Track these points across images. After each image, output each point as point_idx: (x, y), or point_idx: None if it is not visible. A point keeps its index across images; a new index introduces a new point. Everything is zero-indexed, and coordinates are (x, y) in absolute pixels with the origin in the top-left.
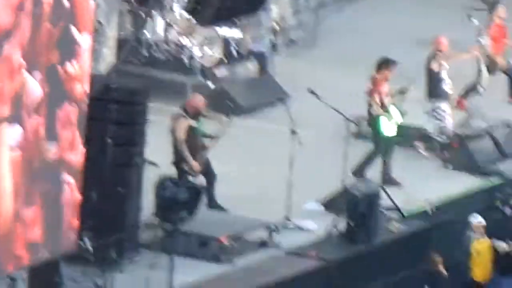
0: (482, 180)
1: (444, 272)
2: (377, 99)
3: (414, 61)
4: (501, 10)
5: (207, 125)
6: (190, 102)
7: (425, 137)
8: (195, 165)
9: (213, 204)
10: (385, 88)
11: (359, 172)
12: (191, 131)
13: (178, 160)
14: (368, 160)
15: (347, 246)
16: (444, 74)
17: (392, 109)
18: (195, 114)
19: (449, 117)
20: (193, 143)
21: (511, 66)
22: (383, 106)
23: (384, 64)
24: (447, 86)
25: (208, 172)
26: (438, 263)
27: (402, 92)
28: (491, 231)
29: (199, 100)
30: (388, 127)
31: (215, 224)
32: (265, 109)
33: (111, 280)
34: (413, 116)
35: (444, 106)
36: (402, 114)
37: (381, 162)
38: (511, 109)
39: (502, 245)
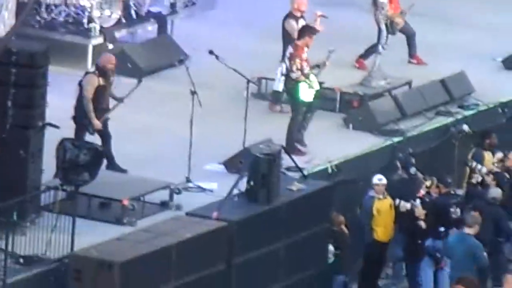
0: (383, 139)
1: (346, 231)
2: (298, 65)
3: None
4: None
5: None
6: (101, 61)
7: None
8: (97, 123)
9: (112, 165)
10: (305, 54)
11: (290, 144)
12: (99, 89)
13: (80, 116)
14: (292, 130)
15: (248, 207)
16: None
17: (311, 76)
18: (106, 73)
19: None
20: (98, 102)
21: (409, 26)
22: (302, 72)
23: (306, 31)
24: None
25: (104, 133)
26: (340, 223)
27: (319, 66)
28: (393, 191)
29: (109, 60)
30: (307, 93)
31: (116, 186)
32: (165, 71)
33: (12, 242)
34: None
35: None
36: (320, 82)
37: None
38: (411, 68)
39: (406, 205)
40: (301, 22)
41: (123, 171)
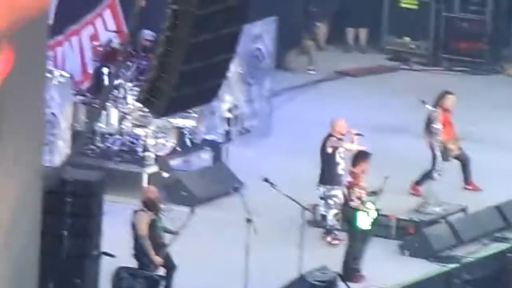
0: (439, 266)
1: None
2: (357, 193)
3: (371, 149)
4: (450, 98)
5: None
6: (145, 196)
7: None
8: (157, 260)
9: None
10: (362, 182)
11: (346, 272)
12: (152, 225)
13: (139, 254)
14: (348, 257)
15: None
16: (338, 158)
17: (369, 204)
18: (154, 207)
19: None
20: (154, 237)
21: (463, 152)
22: (361, 200)
23: (360, 157)
24: (341, 170)
25: (169, 265)
26: None
27: (375, 193)
28: None
29: (152, 193)
30: (365, 221)
31: None
32: (220, 199)
33: None
34: None
35: (338, 192)
36: (377, 210)
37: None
38: (466, 194)
39: None
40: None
41: None
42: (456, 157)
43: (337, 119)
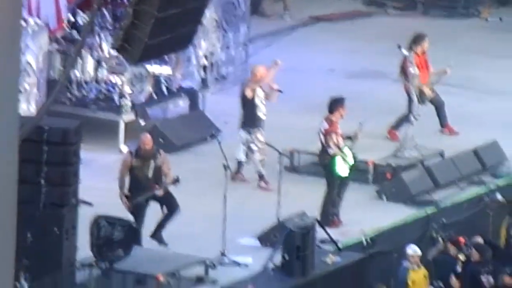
0: (417, 210)
1: None
2: (335, 139)
3: (347, 95)
4: (424, 41)
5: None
6: (138, 142)
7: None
8: (125, 203)
9: (157, 234)
10: (339, 129)
11: (324, 217)
12: (133, 170)
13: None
14: (327, 203)
15: (283, 280)
16: (258, 102)
17: (346, 150)
18: (144, 155)
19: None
20: (134, 184)
21: (438, 97)
22: (339, 147)
23: (337, 103)
24: (262, 114)
25: (138, 215)
26: None
27: (351, 138)
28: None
29: (143, 141)
30: (343, 168)
31: (151, 262)
32: (197, 145)
33: None
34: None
35: (259, 136)
36: (354, 156)
37: (325, 198)
38: (443, 138)
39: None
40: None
41: (163, 243)
42: (431, 101)
43: (256, 65)
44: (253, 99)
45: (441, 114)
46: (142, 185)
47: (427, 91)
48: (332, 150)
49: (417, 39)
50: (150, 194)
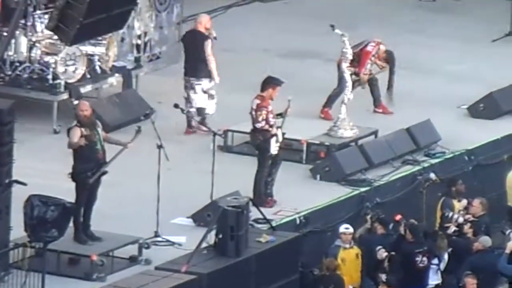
0: (350, 189)
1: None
2: (264, 115)
3: (280, 74)
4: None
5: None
6: (77, 111)
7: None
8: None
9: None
10: (270, 107)
11: (258, 196)
12: (85, 139)
13: (74, 173)
14: (259, 182)
15: (217, 259)
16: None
17: (275, 128)
18: (88, 123)
19: None
20: (89, 152)
21: (373, 77)
22: (268, 123)
23: (270, 83)
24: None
25: (91, 193)
26: (336, 267)
27: (282, 114)
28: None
29: (80, 107)
30: (273, 146)
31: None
32: (131, 125)
33: None
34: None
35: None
36: (283, 133)
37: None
38: (377, 117)
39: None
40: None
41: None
42: (366, 80)
43: (201, 15)
44: (204, 49)
45: (375, 93)
46: (95, 154)
47: (363, 77)
48: (260, 124)
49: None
50: (104, 170)
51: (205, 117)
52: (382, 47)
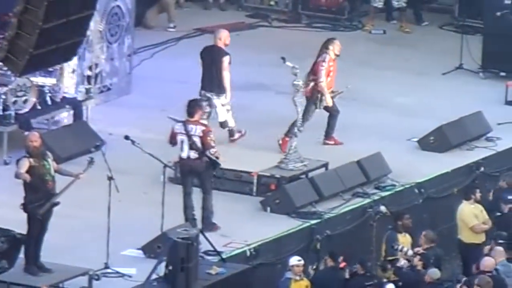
0: (301, 222)
1: None
2: (213, 137)
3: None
4: (337, 45)
5: None
6: (27, 142)
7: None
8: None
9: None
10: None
11: (207, 223)
12: (34, 170)
13: (25, 204)
14: (208, 207)
15: None
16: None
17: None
18: (38, 154)
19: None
20: (37, 183)
21: (335, 105)
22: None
23: (195, 106)
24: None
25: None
26: None
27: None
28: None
29: (29, 138)
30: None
31: None
32: (81, 157)
33: None
34: None
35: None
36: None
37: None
38: (327, 150)
39: None
40: None
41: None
42: (326, 108)
43: (221, 30)
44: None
45: (331, 123)
46: (44, 185)
47: (327, 99)
48: (214, 149)
49: (329, 42)
50: (56, 202)
51: (232, 128)
52: (332, 48)
